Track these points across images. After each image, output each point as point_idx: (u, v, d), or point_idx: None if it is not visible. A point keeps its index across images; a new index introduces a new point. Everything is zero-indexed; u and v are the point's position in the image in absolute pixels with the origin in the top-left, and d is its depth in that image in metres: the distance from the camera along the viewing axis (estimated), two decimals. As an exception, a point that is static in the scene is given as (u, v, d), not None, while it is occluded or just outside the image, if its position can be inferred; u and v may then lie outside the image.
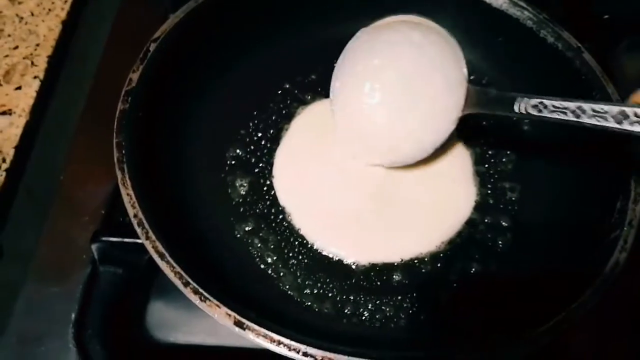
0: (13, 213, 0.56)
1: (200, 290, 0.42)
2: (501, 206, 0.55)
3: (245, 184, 0.56)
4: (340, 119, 0.54)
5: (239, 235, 0.53)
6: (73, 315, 0.50)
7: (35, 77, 0.62)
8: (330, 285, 0.51)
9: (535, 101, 0.45)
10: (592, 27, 0.66)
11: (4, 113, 0.59)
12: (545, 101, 0.45)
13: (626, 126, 0.40)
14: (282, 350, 0.41)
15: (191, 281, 0.42)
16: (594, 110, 0.41)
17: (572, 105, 0.43)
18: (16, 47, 0.64)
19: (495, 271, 0.52)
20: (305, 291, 0.50)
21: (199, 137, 0.56)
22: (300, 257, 0.52)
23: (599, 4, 0.70)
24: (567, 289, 0.45)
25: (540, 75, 0.59)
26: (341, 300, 0.50)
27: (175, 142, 0.55)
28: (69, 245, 0.54)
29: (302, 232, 0.54)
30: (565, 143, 0.55)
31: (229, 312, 0.41)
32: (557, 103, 0.44)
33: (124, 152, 0.48)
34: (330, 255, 0.52)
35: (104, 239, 0.51)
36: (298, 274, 0.51)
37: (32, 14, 0.66)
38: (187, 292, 0.42)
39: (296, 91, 0.61)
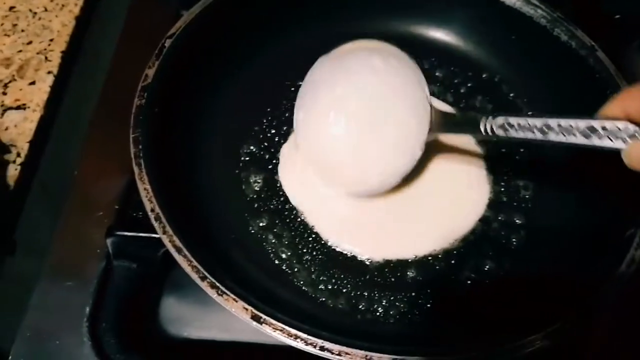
0: (27, 208, 0.56)
1: (217, 284, 0.42)
2: (515, 204, 0.55)
3: (259, 180, 0.56)
4: (305, 151, 0.54)
5: (253, 231, 0.53)
6: (87, 310, 0.50)
7: (49, 72, 0.62)
8: (345, 281, 0.51)
9: (500, 120, 0.44)
10: (603, 27, 0.66)
11: (18, 108, 0.59)
12: (511, 119, 0.44)
13: (595, 141, 0.39)
14: (299, 345, 0.41)
15: (208, 275, 0.43)
16: (560, 126, 0.40)
17: (538, 122, 0.42)
18: (30, 43, 0.64)
19: (509, 269, 0.52)
20: (319, 287, 0.50)
21: (213, 133, 0.57)
22: (314, 253, 0.52)
23: (610, 3, 0.70)
24: (582, 287, 0.45)
25: (553, 74, 0.59)
26: (355, 296, 0.50)
27: (190, 138, 0.55)
28: (83, 240, 0.54)
29: (316, 229, 0.54)
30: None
31: (246, 306, 0.42)
32: (522, 121, 0.43)
33: (140, 147, 0.48)
34: (345, 252, 0.52)
35: (118, 233, 0.51)
36: (312, 270, 0.51)
37: (46, 10, 0.67)
38: (204, 286, 0.42)
39: (309, 88, 0.61)
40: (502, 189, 0.56)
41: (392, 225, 0.54)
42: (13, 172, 0.55)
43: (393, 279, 0.51)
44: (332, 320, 0.48)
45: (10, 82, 0.61)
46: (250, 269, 0.50)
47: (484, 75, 0.63)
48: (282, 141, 0.58)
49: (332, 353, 0.40)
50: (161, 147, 0.50)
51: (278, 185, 0.56)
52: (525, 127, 0.43)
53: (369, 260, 0.52)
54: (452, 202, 0.55)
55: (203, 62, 0.57)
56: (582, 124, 0.39)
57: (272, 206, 0.55)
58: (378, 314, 0.49)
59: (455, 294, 0.51)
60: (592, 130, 0.39)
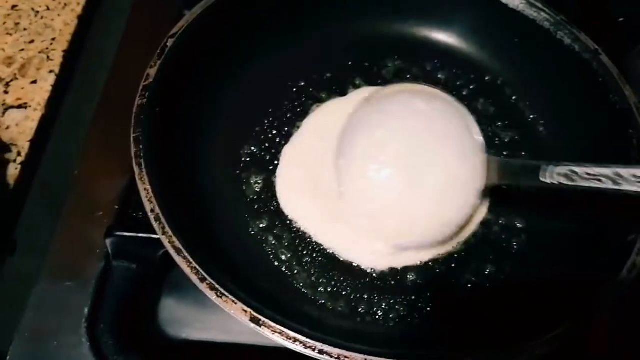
0: (27, 207, 0.56)
1: (217, 286, 0.42)
2: (516, 208, 0.55)
3: (260, 181, 0.55)
4: (348, 199, 0.51)
5: (253, 232, 0.53)
6: (86, 310, 0.50)
7: (50, 72, 0.62)
8: (345, 284, 0.51)
9: (564, 169, 0.42)
10: (607, 30, 0.66)
11: (19, 107, 0.59)
12: (576, 169, 0.41)
13: None
14: (297, 348, 0.41)
15: (207, 277, 0.42)
16: (635, 177, 0.38)
17: (608, 172, 0.39)
18: (32, 42, 0.64)
19: (509, 272, 0.52)
20: (319, 289, 0.50)
21: (214, 133, 0.56)
22: (314, 255, 0.52)
23: (614, 6, 0.70)
24: (582, 292, 0.45)
25: (556, 77, 0.59)
26: (355, 299, 0.50)
27: (191, 138, 0.55)
28: (83, 240, 0.53)
29: (315, 239, 0.53)
30: (581, 145, 0.55)
31: (246, 308, 0.41)
32: (590, 170, 0.40)
33: (141, 147, 0.48)
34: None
35: (118, 233, 0.51)
36: (312, 272, 0.51)
37: (48, 9, 0.67)
38: (204, 287, 0.42)
39: (311, 89, 0.61)
40: (503, 193, 0.56)
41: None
42: (13, 171, 0.55)
43: (393, 282, 0.51)
44: (331, 322, 0.48)
45: (12, 80, 0.61)
46: (250, 271, 0.49)
47: (486, 78, 0.63)
48: (283, 142, 0.58)
49: (331, 356, 0.40)
50: (162, 147, 0.50)
51: (279, 186, 0.56)
52: (594, 176, 0.40)
53: (372, 269, 0.52)
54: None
55: (205, 62, 0.57)
56: None
57: (272, 207, 0.54)
58: (378, 317, 0.49)
59: (456, 298, 0.51)
60: None
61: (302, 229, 0.53)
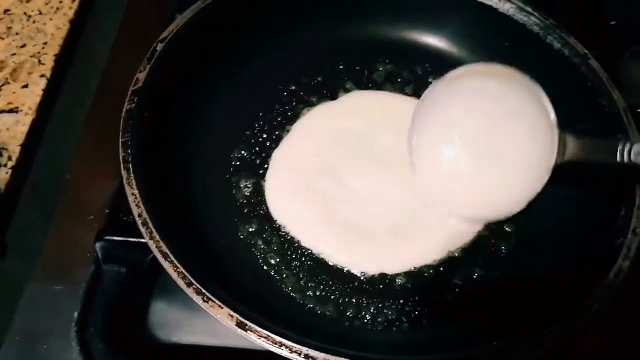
0: (18, 211, 0.56)
1: (204, 291, 0.42)
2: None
3: (249, 185, 0.56)
4: (422, 175, 0.53)
5: (242, 237, 0.53)
6: (76, 314, 0.50)
7: (42, 76, 0.62)
8: (333, 288, 0.51)
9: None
10: (598, 34, 0.66)
11: (11, 111, 0.59)
12: None
13: None
14: (283, 353, 0.41)
15: (194, 282, 0.43)
16: None
17: None
18: (24, 46, 0.64)
19: (498, 276, 0.52)
20: (308, 293, 0.50)
21: (204, 137, 0.57)
22: (303, 260, 0.52)
23: (607, 10, 0.70)
24: (570, 296, 0.45)
25: (546, 82, 0.58)
26: (344, 303, 0.50)
27: (181, 143, 0.55)
28: (74, 244, 0.54)
29: (304, 244, 0.53)
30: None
31: (232, 313, 0.42)
32: None
33: (129, 151, 0.48)
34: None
35: (108, 238, 0.51)
36: (301, 276, 0.51)
37: (41, 13, 0.67)
38: (190, 292, 0.42)
39: (302, 93, 0.61)
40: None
41: (389, 241, 0.53)
42: (5, 175, 0.56)
43: (382, 287, 0.51)
44: (319, 327, 0.48)
45: (3, 85, 0.61)
46: (239, 275, 0.50)
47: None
48: (273, 146, 0.58)
49: (317, 361, 0.40)
50: (151, 152, 0.50)
51: (269, 191, 0.56)
52: None
53: (362, 273, 0.52)
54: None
55: (195, 66, 0.57)
56: None
57: (262, 212, 0.55)
58: (366, 321, 0.49)
59: (444, 302, 0.51)
60: None
61: (291, 233, 0.53)
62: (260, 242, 0.53)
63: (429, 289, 0.51)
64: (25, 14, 0.67)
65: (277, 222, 0.54)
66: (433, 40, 0.65)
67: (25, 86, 0.61)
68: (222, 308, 0.42)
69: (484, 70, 0.53)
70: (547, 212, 0.54)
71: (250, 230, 0.53)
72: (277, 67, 0.61)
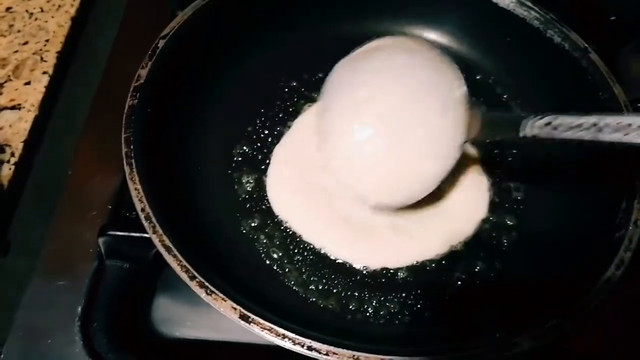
0: (21, 207, 0.57)
1: (206, 284, 0.42)
2: (506, 205, 0.55)
3: (251, 181, 0.56)
4: (328, 159, 0.50)
5: (244, 231, 0.53)
6: (79, 309, 0.50)
7: (44, 73, 0.62)
8: (335, 282, 0.51)
9: (544, 120, 0.41)
10: (598, 29, 0.66)
11: (13, 108, 0.60)
12: (560, 119, 0.40)
13: None
14: (286, 344, 0.41)
15: (197, 275, 0.43)
16: (614, 125, 0.37)
17: (590, 120, 0.38)
18: (26, 43, 0.64)
19: (499, 270, 0.52)
20: (310, 287, 0.51)
21: (206, 133, 0.57)
22: (305, 254, 0.52)
23: (606, 4, 0.70)
24: (571, 288, 0.45)
25: (546, 75, 0.59)
26: (346, 297, 0.50)
27: (183, 138, 0.55)
28: (76, 239, 0.54)
29: (305, 238, 0.53)
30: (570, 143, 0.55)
31: (235, 305, 0.42)
32: (571, 120, 0.39)
33: (132, 147, 0.48)
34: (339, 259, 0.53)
35: (110, 233, 0.51)
36: (303, 270, 0.51)
37: (42, 10, 0.67)
38: (194, 285, 0.43)
39: (303, 89, 0.61)
40: (495, 191, 0.56)
41: (390, 235, 0.53)
42: (7, 171, 0.56)
43: (384, 280, 0.51)
44: (322, 320, 0.48)
45: (5, 82, 0.62)
46: (241, 269, 0.50)
47: (477, 77, 0.63)
48: (275, 142, 0.58)
49: (320, 353, 0.40)
50: (153, 147, 0.50)
51: (270, 186, 0.56)
52: (575, 126, 0.40)
53: (364, 267, 0.52)
54: (454, 206, 0.55)
55: (196, 62, 0.57)
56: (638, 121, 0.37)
57: (264, 207, 0.55)
58: (368, 314, 0.49)
59: (446, 295, 0.51)
60: None
61: (292, 228, 0.53)
62: (262, 237, 0.53)
63: (430, 283, 0.51)
64: (26, 11, 0.67)
65: (279, 217, 0.54)
66: (434, 36, 0.65)
67: (28, 83, 0.61)
68: (225, 300, 0.42)
69: (392, 44, 0.50)
70: (547, 205, 0.54)
71: (252, 224, 0.54)
72: (278, 63, 0.62)
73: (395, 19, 0.64)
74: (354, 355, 0.40)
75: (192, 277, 0.43)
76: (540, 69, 0.60)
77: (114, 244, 0.51)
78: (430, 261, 0.52)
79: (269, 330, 0.41)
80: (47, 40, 0.65)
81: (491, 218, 0.55)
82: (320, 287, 0.51)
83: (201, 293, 0.42)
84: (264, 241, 0.53)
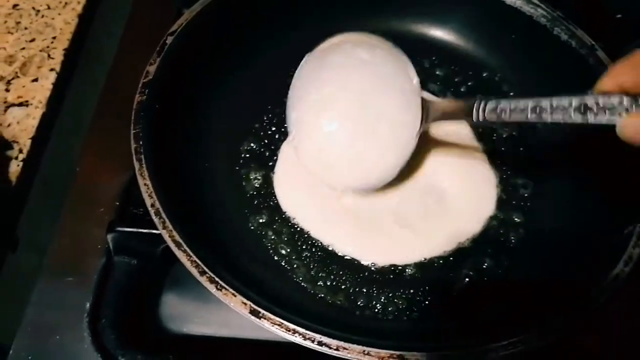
0: (29, 204, 0.57)
1: (216, 279, 0.43)
2: (514, 202, 0.55)
3: (259, 177, 0.56)
4: (300, 151, 0.53)
5: (252, 227, 0.53)
6: (88, 305, 0.50)
7: (51, 70, 0.62)
8: (344, 278, 0.51)
9: (492, 105, 0.44)
10: (604, 27, 0.66)
11: (20, 104, 0.60)
12: (503, 103, 0.43)
13: (590, 118, 0.38)
14: (297, 339, 0.41)
15: (207, 270, 0.43)
16: (554, 106, 0.40)
17: (530, 103, 0.41)
18: (33, 40, 0.64)
19: (507, 267, 0.52)
20: (318, 283, 0.51)
21: (213, 129, 0.57)
22: (313, 250, 0.52)
23: (611, 3, 0.70)
24: (579, 285, 0.45)
25: (553, 73, 0.59)
26: (354, 293, 0.50)
27: (191, 134, 0.55)
28: (84, 236, 0.54)
29: (313, 235, 0.53)
30: (577, 139, 0.55)
31: (245, 300, 0.42)
32: (514, 104, 0.42)
33: (141, 142, 0.48)
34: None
35: (119, 229, 0.51)
36: (311, 267, 0.51)
37: (49, 7, 0.67)
38: (204, 280, 0.43)
39: (310, 86, 0.61)
40: (502, 187, 0.56)
41: (398, 232, 0.53)
42: (15, 168, 0.56)
43: (392, 276, 0.51)
44: (330, 316, 0.48)
45: (13, 79, 0.62)
46: (249, 265, 0.50)
47: (484, 74, 0.63)
48: (282, 138, 0.58)
49: (330, 348, 0.40)
50: (162, 143, 0.50)
51: (278, 182, 0.56)
52: (518, 109, 0.42)
53: (372, 264, 0.52)
54: (462, 203, 0.55)
55: (204, 59, 0.57)
56: (576, 101, 0.39)
57: (272, 203, 0.55)
58: (376, 310, 0.50)
59: (453, 292, 0.51)
60: (586, 107, 0.39)
61: (300, 224, 0.53)
62: (270, 233, 0.53)
63: (438, 279, 0.51)
64: (33, 8, 0.67)
65: (287, 213, 0.54)
66: (440, 33, 0.65)
67: (35, 80, 0.62)
68: (235, 296, 0.42)
69: (351, 39, 0.52)
70: (555, 202, 0.54)
71: (261, 221, 0.54)
72: (286, 60, 0.61)
73: (402, 16, 0.65)
74: (364, 351, 0.40)
75: (203, 272, 0.43)
76: (547, 66, 0.60)
77: (122, 240, 0.51)
78: (438, 258, 0.52)
79: (279, 325, 0.41)
80: (54, 38, 0.65)
81: (499, 215, 0.55)
82: (328, 283, 0.51)
83: (211, 288, 0.42)
84: (272, 237, 0.53)
